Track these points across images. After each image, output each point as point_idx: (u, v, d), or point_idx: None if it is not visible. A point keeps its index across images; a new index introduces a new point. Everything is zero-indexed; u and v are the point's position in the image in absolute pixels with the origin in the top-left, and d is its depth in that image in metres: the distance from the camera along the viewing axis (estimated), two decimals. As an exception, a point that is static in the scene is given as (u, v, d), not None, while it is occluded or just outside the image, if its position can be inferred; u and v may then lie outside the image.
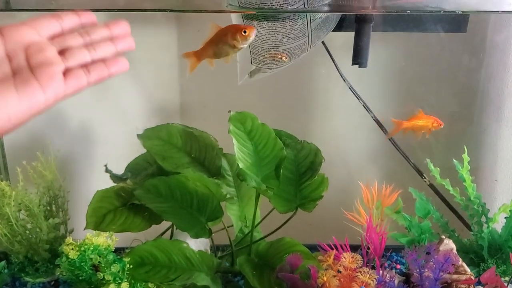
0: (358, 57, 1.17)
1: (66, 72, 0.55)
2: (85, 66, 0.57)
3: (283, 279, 1.06)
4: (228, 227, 1.26)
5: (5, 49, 0.52)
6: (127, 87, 1.48)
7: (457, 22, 1.19)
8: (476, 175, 1.46)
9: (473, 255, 1.27)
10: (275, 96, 1.45)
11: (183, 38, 1.42)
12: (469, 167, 1.22)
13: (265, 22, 0.94)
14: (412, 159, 1.36)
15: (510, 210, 1.24)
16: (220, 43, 0.97)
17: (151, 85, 1.51)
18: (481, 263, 1.24)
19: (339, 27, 1.19)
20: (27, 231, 1.22)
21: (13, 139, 1.42)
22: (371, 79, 1.42)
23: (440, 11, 1.03)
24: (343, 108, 1.46)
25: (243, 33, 0.95)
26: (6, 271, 1.25)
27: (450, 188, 1.25)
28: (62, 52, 0.56)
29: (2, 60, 0.52)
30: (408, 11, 1.00)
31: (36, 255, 1.22)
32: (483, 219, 1.25)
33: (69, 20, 0.58)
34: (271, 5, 0.86)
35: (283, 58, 1.00)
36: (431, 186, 1.35)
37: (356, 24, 1.16)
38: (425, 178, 1.35)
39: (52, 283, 1.25)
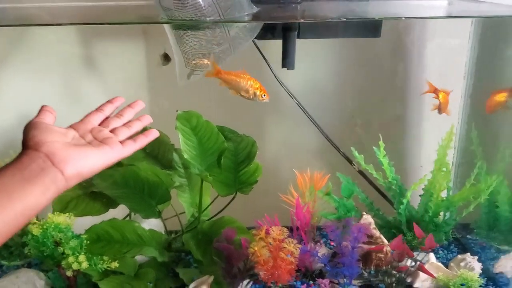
0: (286, 61, 1.36)
1: (121, 142, 0.83)
2: (131, 137, 0.85)
3: (219, 249, 1.23)
4: (181, 213, 1.44)
5: (79, 133, 0.82)
6: (98, 98, 1.66)
7: (371, 28, 1.37)
8: (404, 163, 1.66)
9: (395, 230, 1.45)
10: (227, 98, 1.64)
11: (151, 51, 1.59)
12: (385, 153, 1.41)
13: (190, 31, 1.14)
14: (343, 149, 1.54)
15: (423, 189, 1.42)
16: (242, 85, 1.21)
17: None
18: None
19: (272, 35, 1.38)
20: (2, 220, 1.39)
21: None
22: (307, 81, 1.62)
23: (343, 19, 1.23)
24: (283, 108, 1.64)
25: (262, 96, 1.21)
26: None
27: (373, 172, 1.43)
28: (112, 131, 0.85)
29: (79, 138, 0.81)
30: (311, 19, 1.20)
31: (10, 239, 1.37)
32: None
33: (108, 109, 0.89)
34: (191, 17, 1.06)
35: (210, 61, 1.19)
36: (360, 172, 1.53)
37: (282, 32, 1.35)
38: (354, 165, 1.53)
39: (25, 265, 1.40)
